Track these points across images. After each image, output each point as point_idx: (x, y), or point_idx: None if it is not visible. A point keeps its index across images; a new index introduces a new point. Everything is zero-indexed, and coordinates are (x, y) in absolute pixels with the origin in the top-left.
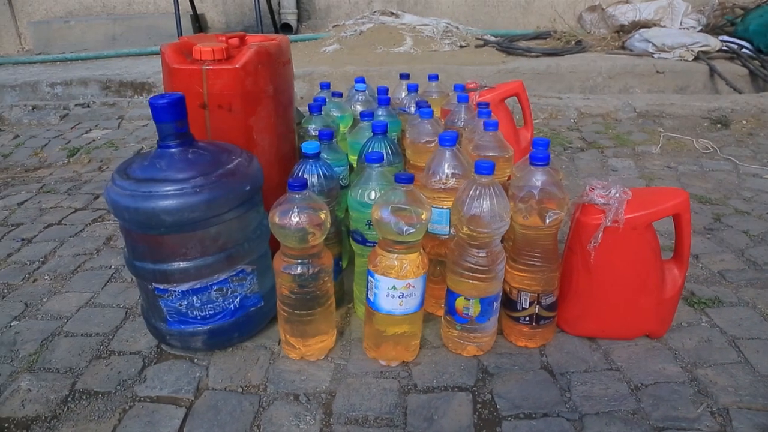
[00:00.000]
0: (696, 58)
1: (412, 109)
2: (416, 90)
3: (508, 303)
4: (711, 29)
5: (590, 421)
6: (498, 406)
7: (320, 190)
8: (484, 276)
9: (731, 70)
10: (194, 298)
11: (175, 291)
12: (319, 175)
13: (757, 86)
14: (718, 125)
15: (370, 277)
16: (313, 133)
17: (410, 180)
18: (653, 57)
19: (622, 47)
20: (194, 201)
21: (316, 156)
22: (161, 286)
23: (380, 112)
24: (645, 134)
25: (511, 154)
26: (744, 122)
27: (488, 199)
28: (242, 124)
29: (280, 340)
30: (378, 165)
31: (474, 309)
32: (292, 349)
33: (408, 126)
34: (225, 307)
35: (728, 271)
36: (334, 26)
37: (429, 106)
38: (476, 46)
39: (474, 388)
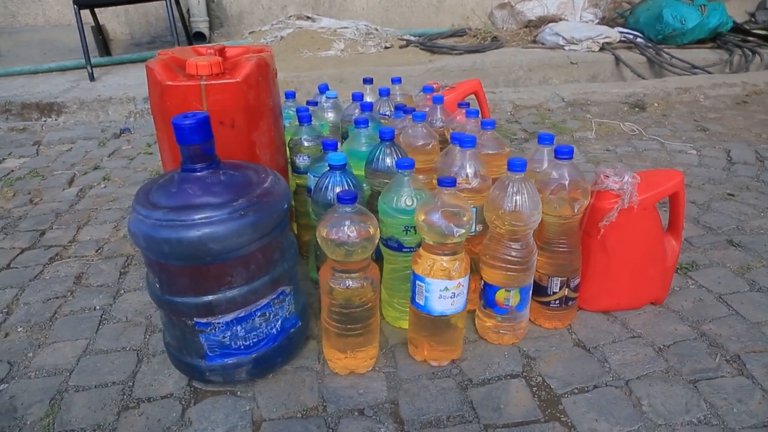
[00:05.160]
0: (601, 49)
1: (389, 113)
2: (388, 94)
3: (538, 289)
4: (606, 22)
5: (635, 385)
6: (552, 386)
7: None
8: (522, 267)
9: (632, 59)
10: (238, 328)
11: (219, 323)
12: (348, 186)
13: (654, 72)
14: (636, 109)
15: (418, 282)
16: (307, 144)
17: (453, 183)
18: (564, 49)
19: (534, 41)
20: (242, 225)
21: (343, 167)
22: (204, 320)
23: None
24: (578, 121)
25: (508, 151)
26: (656, 105)
27: (525, 194)
28: (245, 140)
29: (319, 358)
30: (409, 171)
31: (514, 299)
32: (340, 365)
33: (399, 129)
34: (268, 333)
35: (692, 237)
36: (251, 33)
37: (414, 110)
38: (400, 47)
39: (524, 374)
